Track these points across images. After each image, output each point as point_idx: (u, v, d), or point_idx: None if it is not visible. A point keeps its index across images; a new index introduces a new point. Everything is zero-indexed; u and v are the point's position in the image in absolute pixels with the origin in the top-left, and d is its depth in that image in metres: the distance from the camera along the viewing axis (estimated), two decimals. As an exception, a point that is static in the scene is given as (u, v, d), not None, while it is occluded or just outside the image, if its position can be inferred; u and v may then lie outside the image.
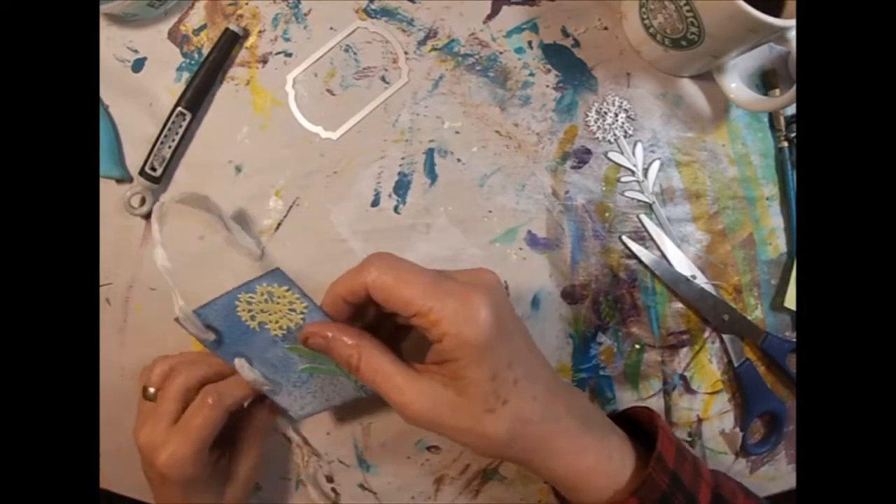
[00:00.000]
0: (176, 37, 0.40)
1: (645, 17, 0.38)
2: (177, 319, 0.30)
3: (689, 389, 0.41)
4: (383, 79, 0.40)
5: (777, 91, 0.41)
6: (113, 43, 0.40)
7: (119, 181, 0.39)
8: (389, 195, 0.40)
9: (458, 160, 0.40)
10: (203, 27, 0.40)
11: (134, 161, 0.39)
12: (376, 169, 0.40)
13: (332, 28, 0.40)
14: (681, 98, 0.41)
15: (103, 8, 0.37)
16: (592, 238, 0.40)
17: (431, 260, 0.39)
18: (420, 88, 0.40)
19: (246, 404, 0.34)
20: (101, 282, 0.39)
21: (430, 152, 0.40)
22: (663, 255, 0.40)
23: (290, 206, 0.39)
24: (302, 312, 0.31)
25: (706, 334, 0.41)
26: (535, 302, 0.40)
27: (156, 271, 0.39)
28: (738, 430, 0.41)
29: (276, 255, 0.39)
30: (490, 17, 0.41)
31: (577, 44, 0.41)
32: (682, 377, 0.41)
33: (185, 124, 0.38)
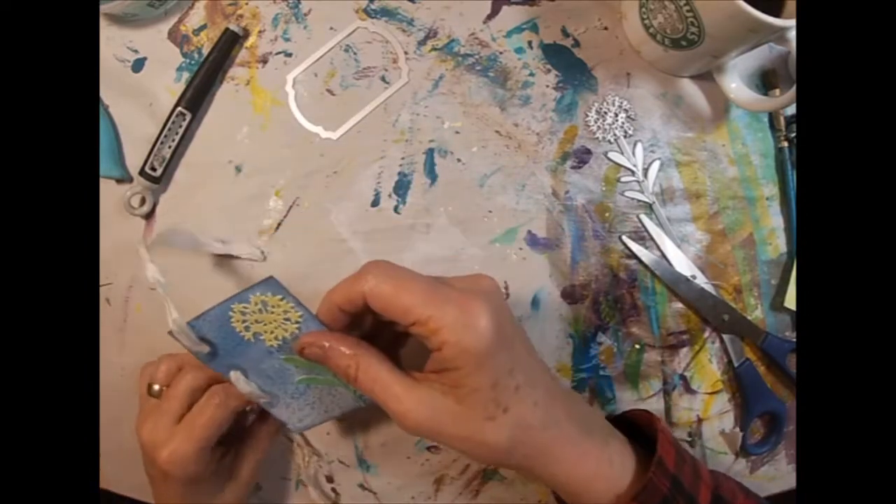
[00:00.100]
0: (176, 37, 0.40)
1: (645, 17, 0.38)
2: (170, 332, 0.30)
3: (689, 389, 0.41)
4: (383, 79, 0.40)
5: (777, 91, 0.41)
6: (113, 43, 0.40)
7: (119, 181, 0.39)
8: (389, 195, 0.40)
9: (458, 160, 0.40)
10: (203, 27, 0.40)
11: (134, 161, 0.39)
12: (376, 169, 0.40)
13: (332, 28, 0.40)
14: (681, 98, 0.41)
15: (103, 8, 0.37)
16: (592, 238, 0.40)
17: (431, 260, 0.39)
18: (420, 88, 0.40)
19: (250, 408, 0.34)
20: (101, 282, 0.39)
21: (430, 152, 0.40)
22: (663, 255, 0.40)
23: (290, 206, 0.39)
24: (297, 322, 0.31)
25: (706, 334, 0.41)
26: (535, 302, 0.40)
27: (156, 271, 0.39)
28: (738, 430, 0.41)
29: (277, 255, 0.39)
30: (490, 17, 0.41)
31: (577, 44, 0.41)
32: (682, 377, 0.41)
33: (185, 124, 0.38)
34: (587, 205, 0.40)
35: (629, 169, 0.40)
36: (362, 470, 0.40)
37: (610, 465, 0.30)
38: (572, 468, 0.29)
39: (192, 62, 0.40)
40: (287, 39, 0.40)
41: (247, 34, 0.40)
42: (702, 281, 0.40)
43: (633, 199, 0.40)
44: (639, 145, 0.41)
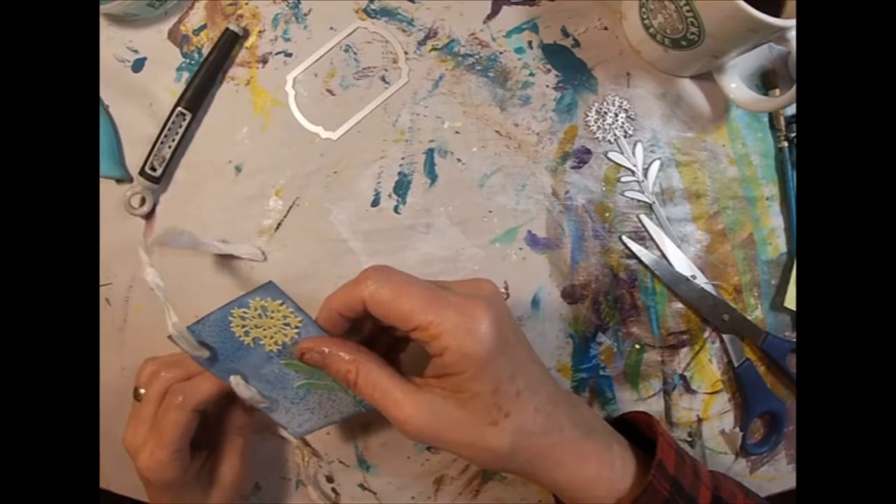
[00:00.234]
0: (176, 37, 0.40)
1: (645, 17, 0.38)
2: (170, 337, 0.30)
3: (689, 389, 0.41)
4: (383, 79, 0.40)
5: (777, 91, 0.41)
6: (113, 43, 0.40)
7: (119, 181, 0.39)
8: (389, 195, 0.40)
9: (458, 160, 0.40)
10: (203, 27, 0.40)
11: (134, 161, 0.39)
12: (376, 169, 0.40)
13: (332, 28, 0.40)
14: (681, 98, 0.41)
15: (103, 8, 0.37)
16: (592, 238, 0.40)
17: (431, 260, 0.39)
18: (420, 88, 0.40)
19: (216, 404, 0.33)
20: (101, 282, 0.39)
21: (430, 152, 0.40)
22: (663, 255, 0.40)
23: (290, 206, 0.39)
24: (297, 327, 0.31)
25: (706, 334, 0.41)
26: (535, 302, 0.40)
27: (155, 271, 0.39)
28: (738, 430, 0.41)
29: (276, 255, 0.39)
30: (490, 17, 0.41)
31: (577, 44, 0.41)
32: (682, 377, 0.41)
33: (185, 124, 0.38)
34: (587, 205, 0.40)
35: (629, 169, 0.40)
36: (362, 470, 0.40)
37: (611, 469, 0.30)
38: (574, 472, 0.29)
39: (192, 62, 0.40)
40: (287, 39, 0.40)
41: (247, 34, 0.40)
42: (702, 281, 0.40)
43: (633, 199, 0.40)
44: (639, 145, 0.41)
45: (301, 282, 0.39)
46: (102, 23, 0.40)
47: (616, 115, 0.40)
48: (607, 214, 0.40)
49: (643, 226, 0.40)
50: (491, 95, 0.40)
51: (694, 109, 0.41)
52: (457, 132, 0.40)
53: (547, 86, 0.40)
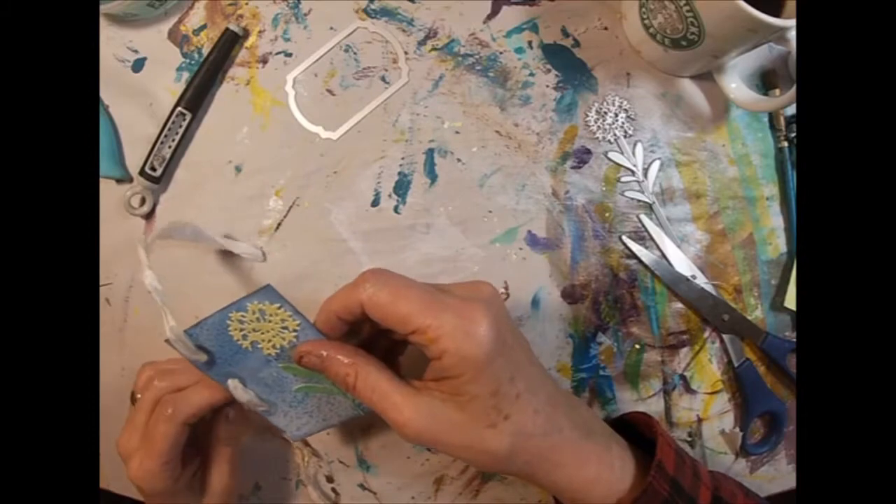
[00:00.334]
0: (176, 37, 0.40)
1: (645, 17, 0.38)
2: (167, 341, 0.30)
3: (689, 389, 0.41)
4: (383, 79, 0.40)
5: (777, 91, 0.41)
6: (113, 43, 0.40)
7: (119, 181, 0.39)
8: (389, 195, 0.40)
9: (458, 160, 0.40)
10: (203, 27, 0.40)
11: (134, 161, 0.39)
12: (376, 169, 0.40)
13: (332, 28, 0.40)
14: (681, 98, 0.41)
15: (103, 8, 0.37)
16: (592, 238, 0.40)
17: (431, 260, 0.39)
18: (420, 88, 0.40)
19: (207, 417, 0.33)
20: (101, 282, 0.39)
21: (430, 152, 0.40)
22: (663, 255, 0.40)
23: (290, 206, 0.39)
24: (295, 330, 0.31)
25: (706, 334, 0.41)
26: (535, 302, 0.40)
27: (156, 271, 0.39)
28: (738, 430, 0.41)
29: (276, 255, 0.39)
30: (490, 17, 0.41)
31: (577, 44, 0.41)
32: (682, 377, 0.41)
33: (185, 124, 0.38)
34: (587, 205, 0.40)
35: (629, 169, 0.40)
36: (362, 470, 0.40)
37: (611, 470, 0.30)
38: (574, 473, 0.29)
39: (192, 62, 0.40)
40: (287, 39, 0.40)
41: (247, 34, 0.40)
42: (702, 281, 0.40)
43: (633, 199, 0.40)
44: (639, 145, 0.41)
45: (301, 282, 0.39)
46: (102, 23, 0.40)
47: (616, 115, 0.40)
48: (607, 214, 0.40)
49: (643, 226, 0.40)
50: (491, 95, 0.40)
51: (694, 109, 0.41)
52: (457, 132, 0.40)
53: (547, 86, 0.40)
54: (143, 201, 0.39)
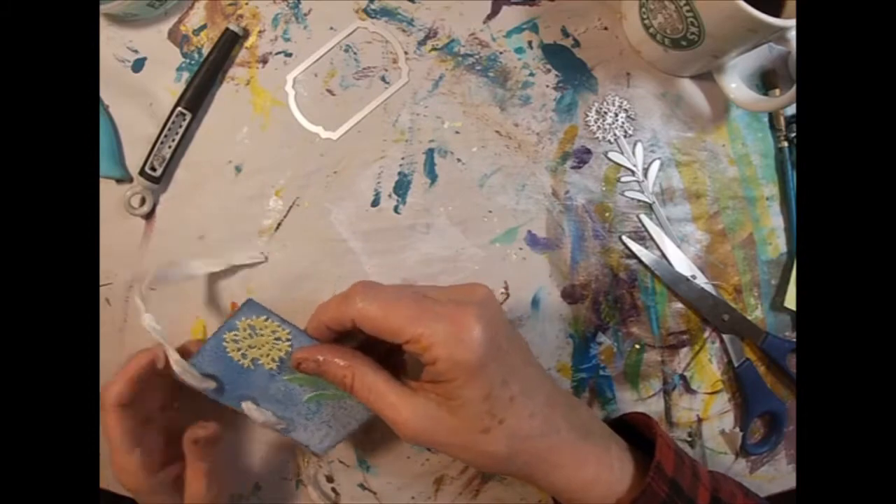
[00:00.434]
0: (176, 37, 0.40)
1: (645, 17, 0.38)
2: (175, 377, 0.30)
3: (689, 389, 0.41)
4: (383, 79, 0.40)
5: (777, 91, 0.41)
6: (113, 43, 0.40)
7: (119, 181, 0.39)
8: (389, 195, 0.40)
9: (458, 160, 0.40)
10: (203, 27, 0.40)
11: (134, 161, 0.39)
12: (376, 169, 0.40)
13: (332, 28, 0.40)
14: (681, 98, 0.41)
15: (103, 8, 0.37)
16: (592, 238, 0.40)
17: (431, 260, 0.39)
18: (420, 88, 0.40)
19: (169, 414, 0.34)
20: (101, 282, 0.39)
21: (430, 152, 0.40)
22: (663, 255, 0.40)
23: (290, 206, 0.39)
24: (288, 339, 0.31)
25: (706, 334, 0.41)
26: (535, 302, 0.40)
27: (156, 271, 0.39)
28: (738, 430, 0.41)
29: (276, 254, 0.39)
30: (490, 17, 0.41)
31: (577, 44, 0.41)
32: (682, 377, 0.41)
33: (185, 124, 0.38)
34: (587, 205, 0.40)
35: (629, 169, 0.40)
36: (362, 470, 0.40)
37: (610, 471, 0.30)
38: (572, 474, 0.29)
39: (192, 62, 0.40)
40: (287, 39, 0.40)
41: (247, 34, 0.40)
42: (702, 281, 0.40)
43: (633, 199, 0.40)
44: (639, 145, 0.41)
45: (301, 282, 0.39)
46: (102, 23, 0.40)
47: (616, 115, 0.40)
48: (607, 214, 0.40)
49: (643, 226, 0.40)
50: (491, 95, 0.40)
51: (694, 109, 0.41)
52: (457, 132, 0.40)
53: (547, 86, 0.40)
54: (143, 201, 0.39)
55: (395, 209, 0.40)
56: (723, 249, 0.41)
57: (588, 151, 0.40)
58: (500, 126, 0.40)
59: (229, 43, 0.39)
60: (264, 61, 0.40)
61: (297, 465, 0.40)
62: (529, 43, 0.41)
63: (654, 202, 0.40)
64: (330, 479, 0.40)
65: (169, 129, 0.38)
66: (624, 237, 0.40)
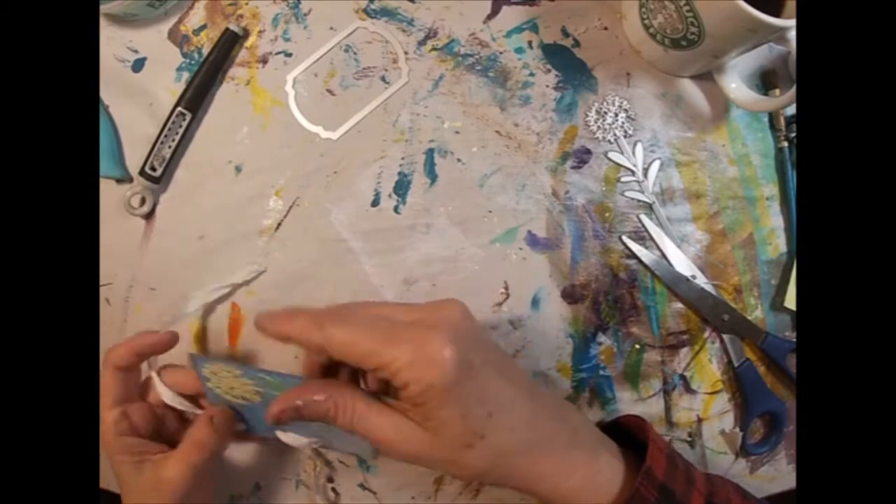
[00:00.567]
0: (176, 37, 0.40)
1: (645, 17, 0.38)
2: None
3: (689, 389, 0.41)
4: (383, 79, 0.40)
5: (777, 91, 0.41)
6: (113, 43, 0.40)
7: (119, 181, 0.39)
8: (389, 195, 0.40)
9: (458, 160, 0.40)
10: (203, 27, 0.40)
11: (134, 161, 0.39)
12: (376, 169, 0.40)
13: (332, 28, 0.40)
14: (681, 98, 0.41)
15: (103, 8, 0.37)
16: (592, 238, 0.40)
17: (431, 260, 0.39)
18: (420, 88, 0.40)
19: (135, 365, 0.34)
20: (101, 282, 0.39)
21: (430, 152, 0.40)
22: (663, 255, 0.40)
23: (290, 206, 0.39)
24: (242, 376, 0.31)
25: (706, 334, 0.41)
26: (535, 302, 0.40)
27: (156, 271, 0.39)
28: (738, 430, 0.41)
29: (276, 254, 0.39)
30: (490, 17, 0.41)
31: (577, 44, 0.41)
32: (682, 377, 0.41)
33: (185, 124, 0.38)
34: (587, 205, 0.40)
35: (629, 169, 0.40)
36: (362, 470, 0.40)
37: (598, 478, 0.30)
38: (559, 484, 0.29)
39: (192, 62, 0.40)
40: (287, 39, 0.40)
41: (247, 34, 0.40)
42: (702, 281, 0.40)
43: (633, 199, 0.40)
44: (639, 145, 0.41)
45: (301, 282, 0.39)
46: (102, 23, 0.40)
47: (616, 115, 0.40)
48: (607, 214, 0.40)
49: (643, 226, 0.40)
50: (491, 95, 0.40)
51: (694, 109, 0.41)
52: (457, 132, 0.40)
53: (547, 86, 0.40)
54: (143, 201, 0.39)
55: (395, 209, 0.40)
56: (723, 249, 0.41)
57: (588, 151, 0.40)
58: (500, 126, 0.40)
59: (229, 43, 0.39)
60: (264, 61, 0.40)
61: (297, 465, 0.40)
62: (529, 43, 0.41)
63: (654, 202, 0.40)
64: (330, 480, 0.40)
65: (169, 129, 0.38)
66: (624, 237, 0.40)
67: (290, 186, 0.39)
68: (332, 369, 0.33)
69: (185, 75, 0.39)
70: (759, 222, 0.41)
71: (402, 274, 0.39)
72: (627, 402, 0.40)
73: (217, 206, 0.39)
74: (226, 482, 0.39)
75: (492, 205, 0.40)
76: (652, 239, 0.40)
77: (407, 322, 0.29)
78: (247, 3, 0.40)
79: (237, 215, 0.39)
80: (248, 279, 0.39)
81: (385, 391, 0.31)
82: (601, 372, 0.40)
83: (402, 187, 0.40)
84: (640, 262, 0.40)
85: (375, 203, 0.40)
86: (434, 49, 0.40)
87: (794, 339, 0.40)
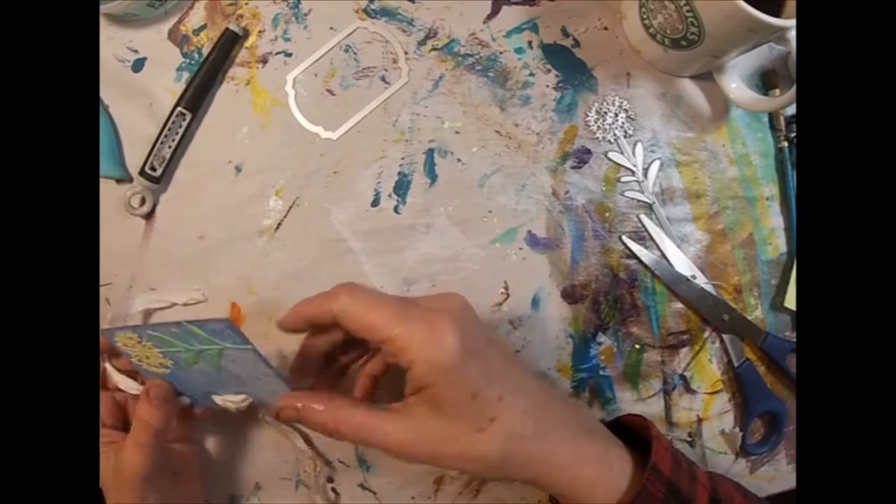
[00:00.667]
0: (176, 37, 0.40)
1: (645, 17, 0.38)
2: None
3: (689, 389, 0.41)
4: (383, 79, 0.40)
5: (777, 91, 0.41)
6: (113, 43, 0.40)
7: (119, 181, 0.39)
8: (389, 195, 0.40)
9: (458, 160, 0.40)
10: (203, 27, 0.40)
11: (134, 161, 0.39)
12: (376, 169, 0.40)
13: (332, 28, 0.40)
14: (681, 98, 0.41)
15: (103, 8, 0.37)
16: (592, 238, 0.40)
17: (431, 260, 0.39)
18: (420, 88, 0.40)
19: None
20: (101, 282, 0.39)
21: (430, 152, 0.40)
22: (663, 255, 0.40)
23: (290, 206, 0.39)
24: (142, 338, 0.31)
25: (706, 334, 0.41)
26: (535, 302, 0.40)
27: (156, 271, 0.39)
28: (738, 430, 0.41)
29: (277, 254, 0.39)
30: (490, 17, 0.41)
31: (577, 44, 0.41)
32: (682, 377, 0.41)
33: (185, 124, 0.38)
34: (587, 205, 0.40)
35: (629, 169, 0.40)
36: (362, 470, 0.40)
37: (610, 471, 0.30)
38: (575, 474, 0.29)
39: (192, 62, 0.40)
40: (287, 39, 0.40)
41: (247, 34, 0.40)
42: (702, 281, 0.40)
43: (633, 199, 0.40)
44: (639, 145, 0.41)
45: (301, 281, 0.39)
46: (102, 23, 0.40)
47: (616, 115, 0.40)
48: (607, 214, 0.40)
49: (643, 226, 0.40)
50: (491, 95, 0.40)
51: (694, 109, 0.41)
52: (457, 132, 0.40)
53: (547, 86, 0.40)
54: (143, 201, 0.39)
55: (395, 209, 0.40)
56: (723, 249, 0.41)
57: (588, 151, 0.40)
58: (500, 126, 0.40)
59: (229, 43, 0.39)
60: (264, 61, 0.40)
61: (297, 465, 0.40)
62: (529, 43, 0.41)
63: (654, 202, 0.40)
64: (330, 480, 0.40)
65: (169, 129, 0.38)
66: (624, 237, 0.40)
67: (290, 186, 0.39)
68: (329, 358, 0.33)
69: (185, 75, 0.39)
70: (759, 222, 0.41)
71: (402, 274, 0.39)
72: (627, 402, 0.40)
73: (217, 206, 0.39)
74: (226, 482, 0.39)
75: (492, 205, 0.40)
76: (652, 239, 0.40)
77: (418, 304, 0.29)
78: (247, 3, 0.40)
79: (237, 215, 0.39)
80: (186, 302, 0.39)
81: (385, 372, 0.32)
82: (601, 372, 0.40)
83: (402, 187, 0.40)
84: (640, 262, 0.40)
85: (375, 203, 0.40)
86: (434, 49, 0.40)
87: (794, 339, 0.40)
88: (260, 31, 0.40)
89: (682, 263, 0.40)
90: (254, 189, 0.39)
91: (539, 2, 0.41)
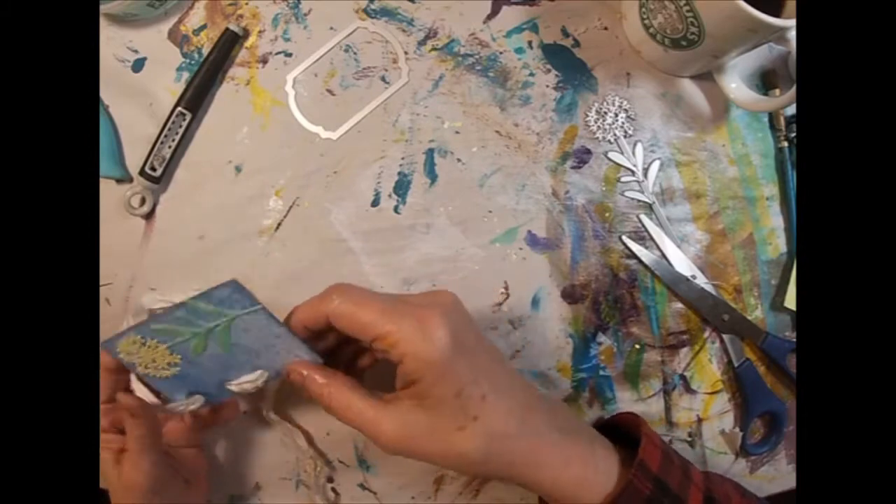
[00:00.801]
0: (176, 37, 0.40)
1: (645, 17, 0.38)
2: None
3: (689, 389, 0.41)
4: (383, 79, 0.40)
5: (777, 91, 0.41)
6: (113, 43, 0.40)
7: (119, 181, 0.39)
8: (389, 195, 0.40)
9: (458, 160, 0.40)
10: (203, 27, 0.40)
11: (134, 161, 0.39)
12: (376, 169, 0.40)
13: (332, 28, 0.40)
14: (681, 98, 0.41)
15: (103, 8, 0.37)
16: (592, 238, 0.40)
17: (431, 260, 0.39)
18: (420, 88, 0.40)
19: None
20: (101, 282, 0.39)
21: (430, 152, 0.40)
22: (663, 255, 0.40)
23: (290, 206, 0.39)
24: (144, 337, 0.30)
25: (706, 334, 0.41)
26: (535, 302, 0.40)
27: (156, 271, 0.39)
28: (738, 430, 0.41)
29: (277, 254, 0.39)
30: (490, 17, 0.41)
31: (577, 44, 0.41)
32: (682, 377, 0.41)
33: (185, 124, 0.38)
34: (587, 205, 0.40)
35: (629, 169, 0.40)
36: (362, 470, 0.40)
37: (595, 471, 0.30)
38: (559, 474, 0.29)
39: (192, 62, 0.40)
40: (287, 39, 0.40)
41: (247, 34, 0.40)
42: (702, 281, 0.40)
43: (633, 199, 0.40)
44: (639, 145, 0.41)
45: (300, 281, 0.39)
46: (102, 23, 0.40)
47: (616, 115, 0.40)
48: (607, 214, 0.40)
49: (643, 226, 0.40)
50: (491, 95, 0.40)
51: (694, 109, 0.41)
52: (457, 132, 0.40)
53: (547, 86, 0.40)
54: (143, 201, 0.39)
55: (395, 209, 0.40)
56: (723, 249, 0.41)
57: (588, 151, 0.40)
58: (500, 126, 0.40)
59: (229, 43, 0.39)
60: (264, 61, 0.40)
61: (297, 465, 0.40)
62: (529, 43, 0.41)
63: (654, 202, 0.40)
64: (330, 480, 0.40)
65: (169, 129, 0.38)
66: (624, 237, 0.40)
67: (290, 186, 0.39)
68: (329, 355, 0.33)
69: (185, 75, 0.39)
70: (759, 222, 0.41)
71: (402, 274, 0.39)
72: (627, 402, 0.40)
73: (217, 206, 0.39)
74: (226, 482, 0.39)
75: (492, 205, 0.40)
76: (652, 239, 0.40)
77: (408, 302, 0.30)
78: (247, 3, 0.40)
79: (237, 215, 0.39)
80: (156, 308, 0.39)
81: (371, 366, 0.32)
82: (601, 372, 0.40)
83: (402, 187, 0.40)
84: (640, 262, 0.40)
85: (375, 203, 0.40)
86: (434, 49, 0.40)
87: (794, 339, 0.40)
88: (260, 31, 0.40)
89: (682, 263, 0.40)
90: (254, 189, 0.39)
91: (539, 2, 0.41)
